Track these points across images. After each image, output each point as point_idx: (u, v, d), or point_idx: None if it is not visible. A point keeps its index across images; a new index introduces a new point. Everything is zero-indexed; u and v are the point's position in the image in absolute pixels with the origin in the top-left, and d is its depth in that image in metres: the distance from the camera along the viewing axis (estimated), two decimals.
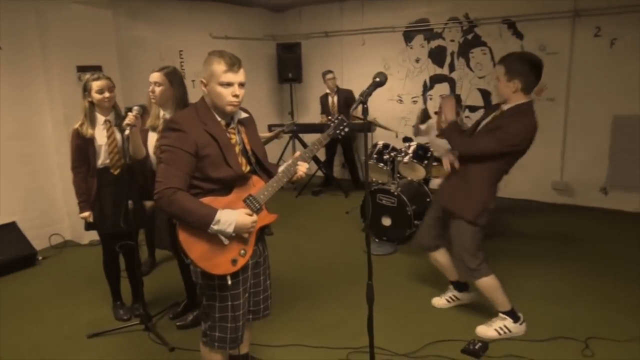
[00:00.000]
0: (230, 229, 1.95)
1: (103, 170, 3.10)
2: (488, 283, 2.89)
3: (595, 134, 5.27)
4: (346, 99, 6.22)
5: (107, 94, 3.03)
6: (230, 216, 1.95)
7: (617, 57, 5.01)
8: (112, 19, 4.89)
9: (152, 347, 2.97)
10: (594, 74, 5.16)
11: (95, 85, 3.00)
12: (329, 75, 6.24)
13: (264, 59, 7.25)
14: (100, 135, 3.06)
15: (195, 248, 1.97)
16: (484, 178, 2.80)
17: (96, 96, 3.00)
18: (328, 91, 6.36)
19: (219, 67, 1.97)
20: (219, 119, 2.07)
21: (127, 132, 2.82)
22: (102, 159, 3.08)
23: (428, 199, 4.60)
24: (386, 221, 4.45)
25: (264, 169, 2.21)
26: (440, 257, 3.21)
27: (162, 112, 3.01)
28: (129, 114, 2.86)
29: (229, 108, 2.02)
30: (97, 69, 4.74)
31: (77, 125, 3.05)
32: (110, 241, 3.24)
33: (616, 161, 5.21)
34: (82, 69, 4.67)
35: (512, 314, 2.93)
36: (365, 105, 1.87)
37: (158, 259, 4.28)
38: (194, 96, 3.02)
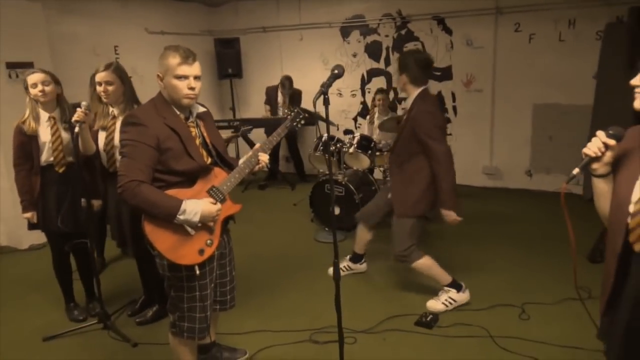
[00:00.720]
0: (196, 218, 2.00)
1: (47, 167, 3.01)
2: (421, 264, 3.17)
3: (519, 121, 5.74)
4: (297, 98, 6.30)
5: (40, 87, 2.90)
6: (196, 205, 2.00)
7: (535, 51, 5.48)
8: (42, 12, 4.68)
9: (114, 345, 2.94)
10: (516, 66, 5.62)
11: (29, 79, 2.90)
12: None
13: (202, 54, 7.11)
14: (44, 132, 2.97)
15: (161, 240, 2.01)
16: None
17: (31, 91, 2.91)
18: (281, 89, 6.38)
19: (174, 60, 2.01)
20: (178, 112, 2.12)
21: (77, 129, 2.76)
22: (45, 157, 2.99)
23: (373, 187, 4.82)
24: (335, 210, 4.62)
25: (225, 161, 2.27)
26: (365, 234, 3.64)
27: (111, 109, 2.97)
28: (78, 109, 2.78)
29: (185, 101, 2.07)
30: (28, 65, 4.52)
31: (20, 121, 2.95)
32: (58, 241, 3.16)
33: (537, 146, 5.72)
34: (11, 66, 4.46)
35: (454, 285, 3.22)
36: (326, 96, 1.98)
37: (107, 258, 4.19)
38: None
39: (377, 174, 5.33)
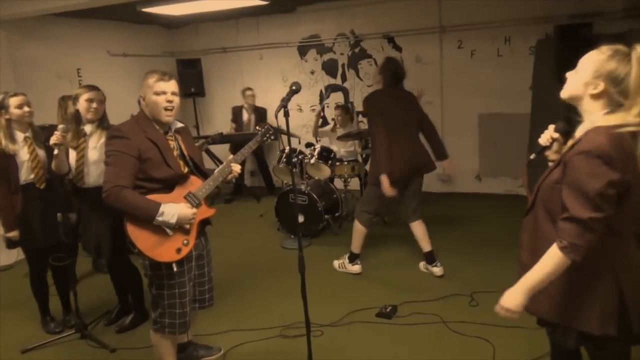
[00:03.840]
0: (173, 220, 2.23)
1: (27, 186, 3.13)
2: (357, 227, 3.88)
3: (467, 130, 6.20)
4: (262, 117, 6.60)
5: (27, 109, 3.08)
6: (173, 208, 2.24)
7: (477, 65, 5.98)
8: (5, 38, 4.79)
9: (92, 352, 3.08)
10: (461, 80, 6.10)
11: (14, 101, 3.04)
12: (249, 92, 6.56)
13: None
14: (22, 152, 3.10)
15: (141, 239, 2.23)
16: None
17: (16, 112, 3.05)
18: (245, 106, 6.63)
19: (152, 79, 2.28)
20: (157, 127, 2.36)
21: (56, 151, 2.90)
22: (25, 175, 3.11)
23: (335, 195, 5.12)
24: (300, 218, 4.88)
25: (201, 171, 2.52)
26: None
27: (82, 128, 3.13)
28: (56, 132, 2.89)
29: (164, 113, 2.31)
30: None
31: None
32: (37, 256, 3.27)
33: (484, 152, 6.20)
34: None
35: (352, 257, 3.99)
36: (286, 109, 2.27)
37: (78, 274, 4.27)
38: None
39: (338, 182, 5.64)
